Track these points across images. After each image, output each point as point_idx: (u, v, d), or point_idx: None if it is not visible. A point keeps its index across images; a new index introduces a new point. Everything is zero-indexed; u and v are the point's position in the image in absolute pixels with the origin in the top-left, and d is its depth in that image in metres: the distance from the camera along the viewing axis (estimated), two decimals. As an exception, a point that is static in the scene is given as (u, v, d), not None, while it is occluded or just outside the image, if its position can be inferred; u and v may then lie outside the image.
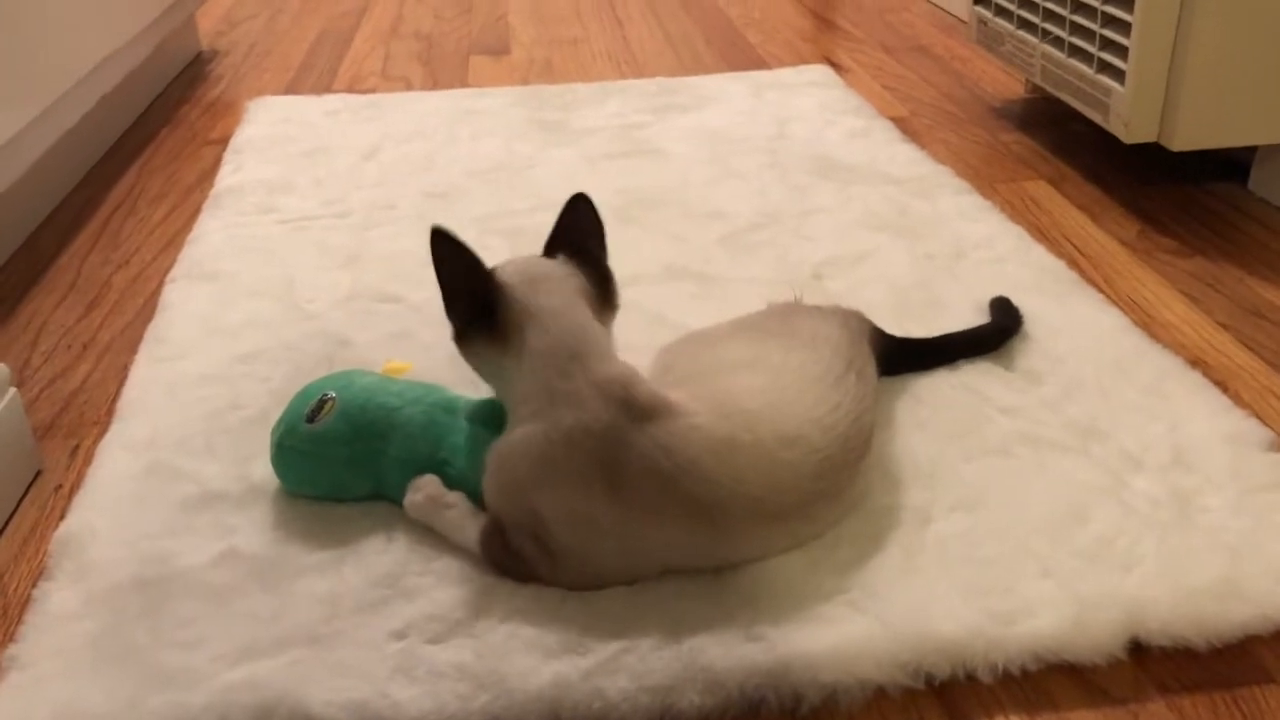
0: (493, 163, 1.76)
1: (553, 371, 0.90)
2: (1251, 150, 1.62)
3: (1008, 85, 2.13)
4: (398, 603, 0.88)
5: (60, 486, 1.08)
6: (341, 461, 0.98)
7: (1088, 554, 0.91)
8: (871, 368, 1.05)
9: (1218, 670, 0.84)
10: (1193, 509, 0.96)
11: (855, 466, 0.95)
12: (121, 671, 0.82)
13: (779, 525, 0.90)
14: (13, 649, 0.86)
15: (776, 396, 0.93)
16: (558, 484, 0.87)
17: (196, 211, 1.65)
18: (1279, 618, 0.86)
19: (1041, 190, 1.67)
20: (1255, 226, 1.53)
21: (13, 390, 1.08)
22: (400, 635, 0.85)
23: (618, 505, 0.86)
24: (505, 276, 0.96)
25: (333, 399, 1.00)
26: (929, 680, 0.82)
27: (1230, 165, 1.68)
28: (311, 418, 0.99)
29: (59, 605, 0.89)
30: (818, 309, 1.11)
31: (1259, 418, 1.10)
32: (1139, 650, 0.85)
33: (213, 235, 1.54)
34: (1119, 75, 1.53)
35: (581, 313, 0.95)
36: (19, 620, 0.90)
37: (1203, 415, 1.09)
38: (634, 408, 0.87)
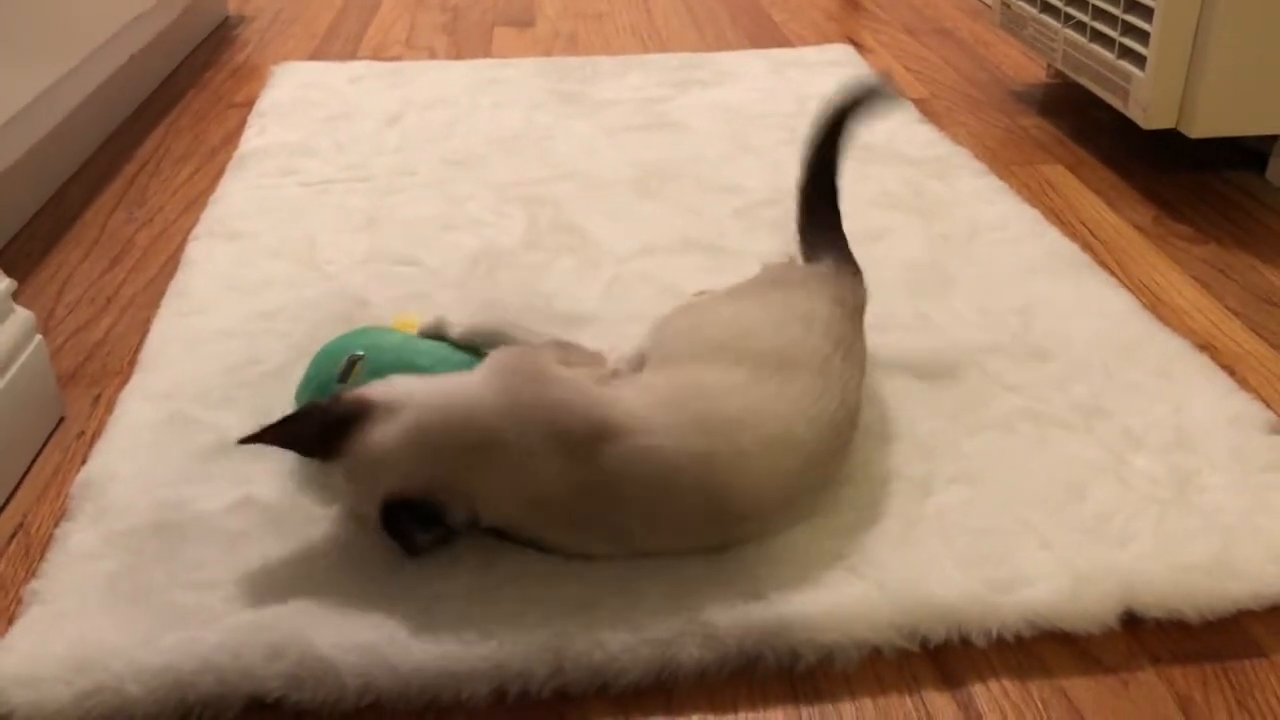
0: (513, 132, 1.78)
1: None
2: (1270, 139, 1.62)
3: (1029, 70, 2.13)
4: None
5: (82, 433, 1.11)
6: None
7: (1085, 528, 0.92)
8: (861, 343, 1.03)
9: (1209, 643, 0.85)
10: (1192, 488, 0.97)
11: (843, 450, 0.96)
12: (137, 609, 0.85)
13: (765, 520, 0.91)
14: (34, 584, 0.88)
15: (760, 393, 0.91)
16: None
17: (220, 172, 1.67)
18: (1271, 594, 0.87)
19: (1058, 174, 1.68)
20: (1270, 215, 1.54)
21: (38, 338, 1.10)
22: (408, 584, 0.87)
23: (595, 527, 0.88)
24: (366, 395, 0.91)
25: (362, 358, 1.00)
26: (924, 643, 0.84)
27: (1249, 154, 1.68)
28: (343, 377, 0.99)
29: (79, 545, 0.92)
30: (813, 275, 1.08)
31: (1263, 401, 1.11)
32: (1132, 621, 0.86)
33: (235, 196, 1.56)
34: (1140, 61, 1.53)
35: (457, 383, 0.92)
36: (41, 558, 0.93)
37: (1207, 397, 1.10)
38: (569, 440, 0.86)
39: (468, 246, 1.41)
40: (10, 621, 0.86)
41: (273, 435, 0.89)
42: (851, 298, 1.06)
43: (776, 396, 0.90)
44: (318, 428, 0.88)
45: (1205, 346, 1.22)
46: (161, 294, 1.33)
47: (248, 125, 1.84)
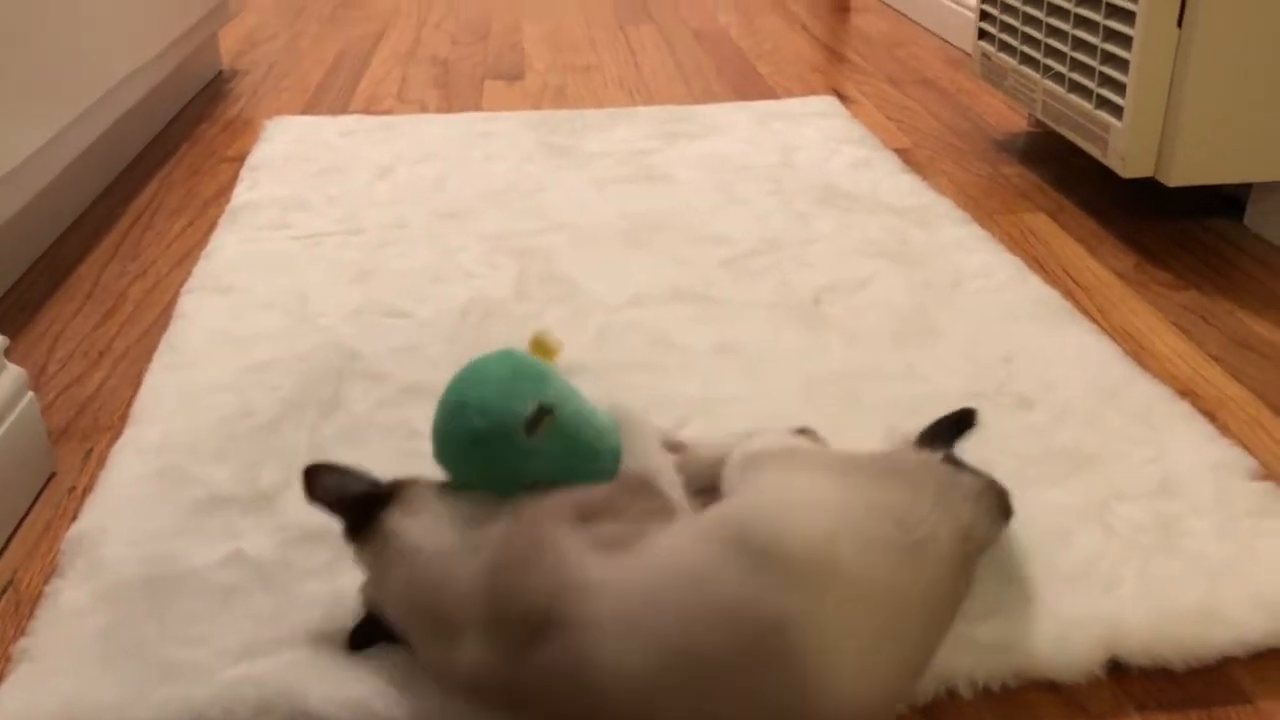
0: (503, 184, 1.80)
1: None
2: (1247, 187, 1.65)
3: (1011, 119, 2.17)
4: (397, 606, 0.91)
5: (74, 488, 1.11)
6: (535, 473, 0.85)
7: (1070, 575, 0.93)
8: (960, 601, 0.83)
9: (1194, 690, 0.86)
10: (1175, 534, 0.98)
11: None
12: (129, 665, 0.85)
13: None
14: (24, 642, 0.89)
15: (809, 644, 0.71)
16: None
17: (213, 226, 1.69)
18: (1256, 641, 0.88)
19: (1040, 222, 1.70)
20: (1249, 261, 1.56)
21: (30, 394, 1.11)
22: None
23: None
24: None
25: (552, 415, 0.85)
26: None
27: (1227, 201, 1.71)
28: (530, 428, 0.84)
29: (69, 601, 0.92)
30: (950, 484, 0.85)
31: (1245, 447, 1.13)
32: (1118, 669, 0.87)
33: (228, 249, 1.58)
34: (1117, 111, 1.56)
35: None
36: (30, 615, 0.93)
37: (1189, 444, 1.11)
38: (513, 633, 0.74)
39: (458, 297, 1.43)
40: (0, 680, 0.86)
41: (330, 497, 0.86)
42: (984, 533, 0.87)
43: (767, 631, 0.71)
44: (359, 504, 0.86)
45: (1186, 393, 1.23)
46: (154, 347, 1.34)
47: (240, 179, 1.86)
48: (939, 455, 0.93)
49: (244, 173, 1.88)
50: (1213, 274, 1.53)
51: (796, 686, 0.69)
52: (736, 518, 0.78)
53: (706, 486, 0.93)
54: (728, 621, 0.71)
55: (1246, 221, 1.66)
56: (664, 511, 0.83)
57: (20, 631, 0.91)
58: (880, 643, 0.73)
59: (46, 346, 1.39)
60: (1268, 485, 1.05)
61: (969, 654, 0.86)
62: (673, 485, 0.88)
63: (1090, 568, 0.94)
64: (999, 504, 0.90)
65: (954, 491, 0.85)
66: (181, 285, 1.49)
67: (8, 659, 0.88)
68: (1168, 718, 0.84)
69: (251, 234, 1.63)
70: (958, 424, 1.03)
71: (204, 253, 1.58)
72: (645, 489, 0.85)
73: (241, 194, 1.78)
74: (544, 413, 0.83)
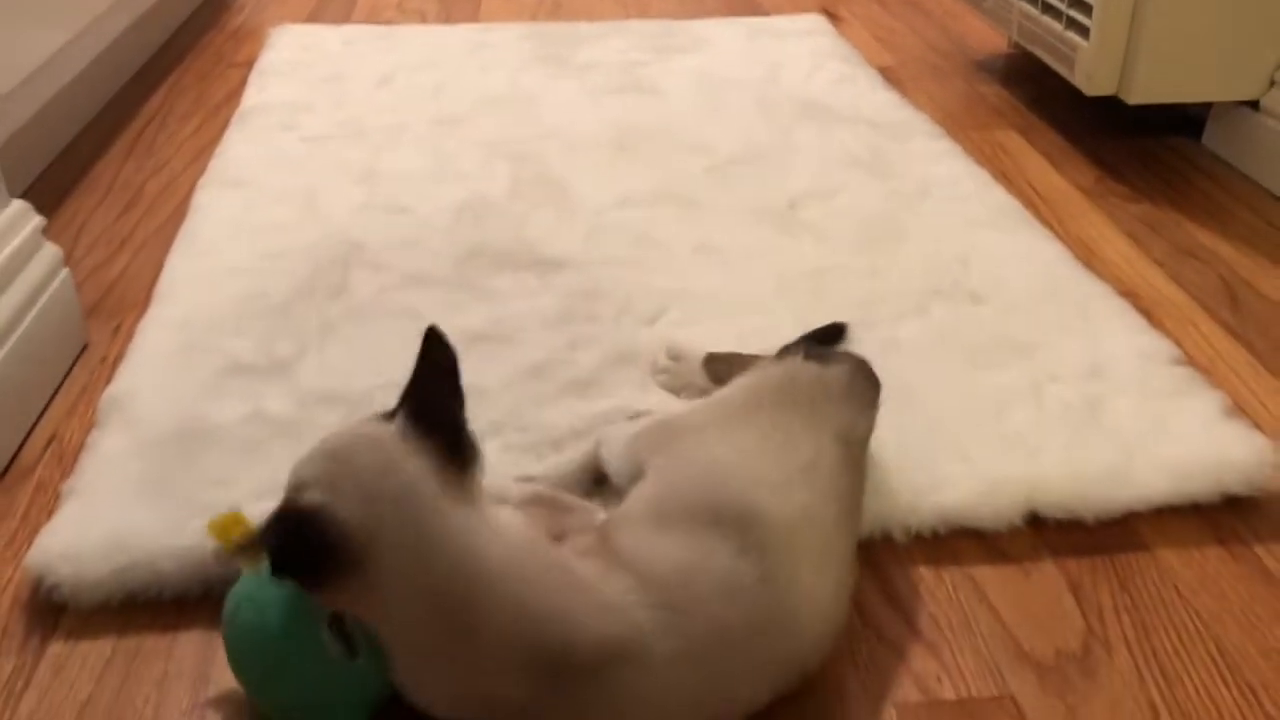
0: (499, 93, 1.88)
1: None
2: (1207, 107, 1.74)
3: (992, 40, 2.24)
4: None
5: (105, 358, 1.22)
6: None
7: (1001, 442, 1.05)
8: (861, 493, 0.89)
9: (1102, 540, 0.98)
10: (1099, 411, 1.10)
11: (836, 638, 0.82)
12: (165, 502, 0.97)
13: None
14: (70, 482, 1.00)
15: (754, 597, 0.75)
16: None
17: (223, 127, 1.78)
18: (1158, 500, 1.00)
19: (1010, 139, 1.79)
20: (1202, 178, 1.66)
21: (65, 270, 1.21)
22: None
23: None
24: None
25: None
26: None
27: (1188, 121, 1.79)
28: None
29: (109, 450, 1.04)
30: (821, 392, 0.89)
31: (1174, 341, 1.23)
32: (1036, 521, 0.99)
33: (239, 148, 1.67)
34: (1084, 31, 1.64)
35: None
36: (74, 462, 1.04)
37: (1121, 335, 1.22)
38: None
39: (456, 197, 1.52)
40: (51, 514, 0.98)
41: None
42: (863, 425, 0.91)
43: (766, 596, 0.75)
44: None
45: (1128, 293, 1.34)
46: (172, 237, 1.44)
47: (248, 84, 1.94)
48: (799, 355, 0.93)
49: (251, 78, 1.96)
50: (1167, 188, 1.62)
51: (789, 640, 0.77)
52: (697, 501, 0.79)
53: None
54: (741, 604, 0.74)
55: (1205, 140, 1.75)
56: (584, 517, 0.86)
57: (66, 474, 1.03)
58: (825, 571, 0.79)
59: (72, 235, 1.49)
60: (1187, 370, 1.16)
61: (903, 503, 0.97)
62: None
63: (1020, 437, 1.06)
64: (868, 385, 0.93)
65: (822, 396, 0.88)
66: (196, 181, 1.59)
67: (57, 496, 1.00)
68: (1078, 563, 0.96)
69: (261, 135, 1.72)
70: (828, 337, 1.13)
71: (216, 152, 1.67)
72: (553, 503, 0.88)
73: (250, 98, 1.87)
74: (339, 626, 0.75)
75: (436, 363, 0.77)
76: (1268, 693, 0.84)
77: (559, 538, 0.80)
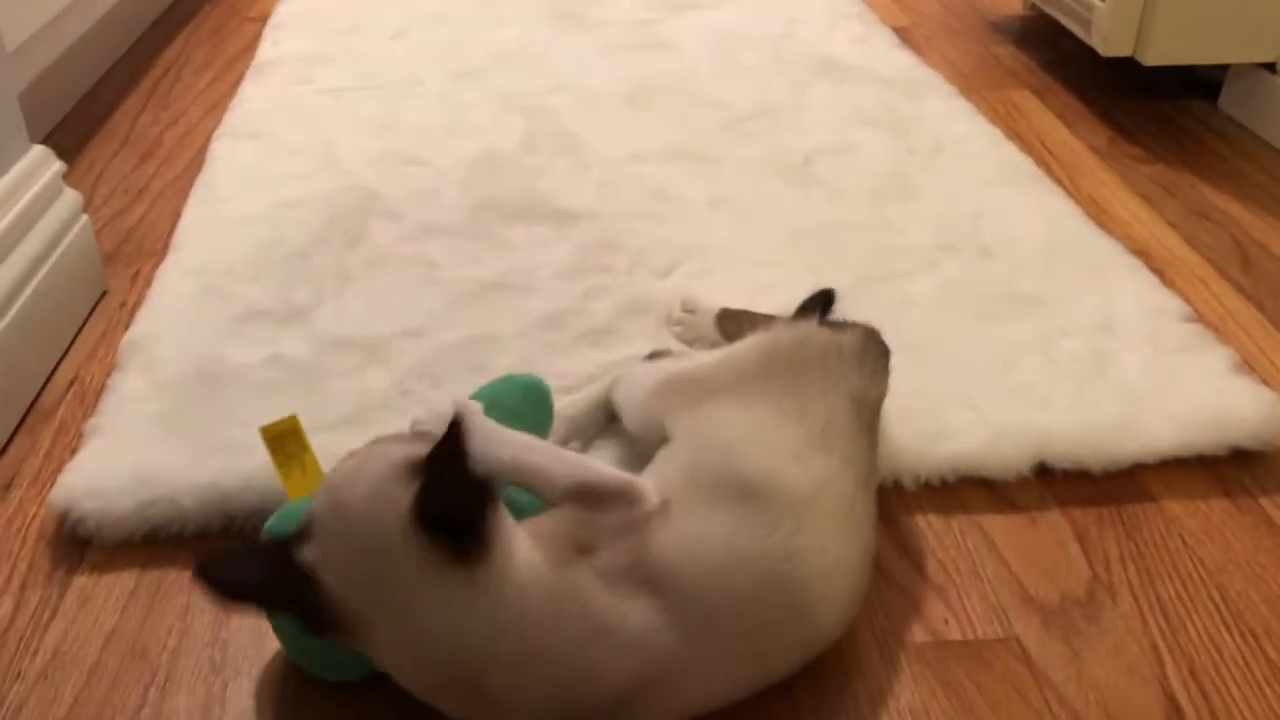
0: (513, 47, 1.88)
1: None
2: (1223, 70, 1.73)
3: (1007, 2, 2.23)
4: (411, 401, 1.04)
5: (124, 303, 1.24)
6: None
7: (1010, 394, 1.06)
8: (875, 454, 0.88)
9: (1108, 490, 0.99)
10: (1108, 364, 1.10)
11: (859, 602, 0.82)
12: (186, 441, 0.98)
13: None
14: (94, 420, 1.02)
15: (774, 561, 0.75)
16: None
17: (239, 80, 1.78)
18: (1165, 451, 1.01)
19: (1025, 99, 1.79)
20: (1217, 140, 1.65)
21: (85, 217, 1.23)
22: (417, 424, 1.00)
23: None
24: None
25: None
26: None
27: (1204, 84, 1.79)
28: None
29: (130, 391, 1.05)
30: (833, 354, 0.89)
31: (1184, 299, 1.24)
32: (1044, 471, 1.00)
33: (255, 100, 1.68)
34: (1101, -9, 1.64)
35: None
36: (95, 402, 1.06)
37: (1132, 292, 1.22)
38: None
39: (471, 149, 1.53)
40: (74, 452, 0.99)
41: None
42: (875, 389, 0.90)
43: (793, 572, 0.75)
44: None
45: (1140, 252, 1.34)
46: (189, 186, 1.45)
47: (263, 37, 1.95)
48: (813, 320, 0.95)
49: (266, 31, 1.97)
50: (1181, 150, 1.62)
51: (817, 612, 0.77)
52: (719, 477, 0.78)
53: (592, 436, 1.00)
54: (770, 585, 0.74)
55: (1220, 103, 1.74)
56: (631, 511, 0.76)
57: (88, 414, 1.04)
58: (848, 536, 0.79)
59: (90, 184, 1.50)
60: (1197, 327, 1.17)
61: (913, 452, 0.98)
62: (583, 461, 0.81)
63: (1029, 389, 1.07)
64: (879, 352, 0.92)
65: (835, 359, 0.88)
66: (212, 132, 1.60)
67: (79, 435, 1.01)
68: (1084, 512, 0.97)
69: (277, 87, 1.72)
70: (821, 302, 1.13)
71: (232, 103, 1.68)
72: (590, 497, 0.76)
73: (266, 50, 1.87)
74: None
75: (457, 454, 0.67)
76: (1270, 638, 0.85)
77: (588, 549, 0.73)
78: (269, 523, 0.80)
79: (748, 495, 0.76)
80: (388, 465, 0.69)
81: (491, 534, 0.68)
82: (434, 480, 0.67)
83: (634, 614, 0.70)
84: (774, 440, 0.81)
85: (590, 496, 0.75)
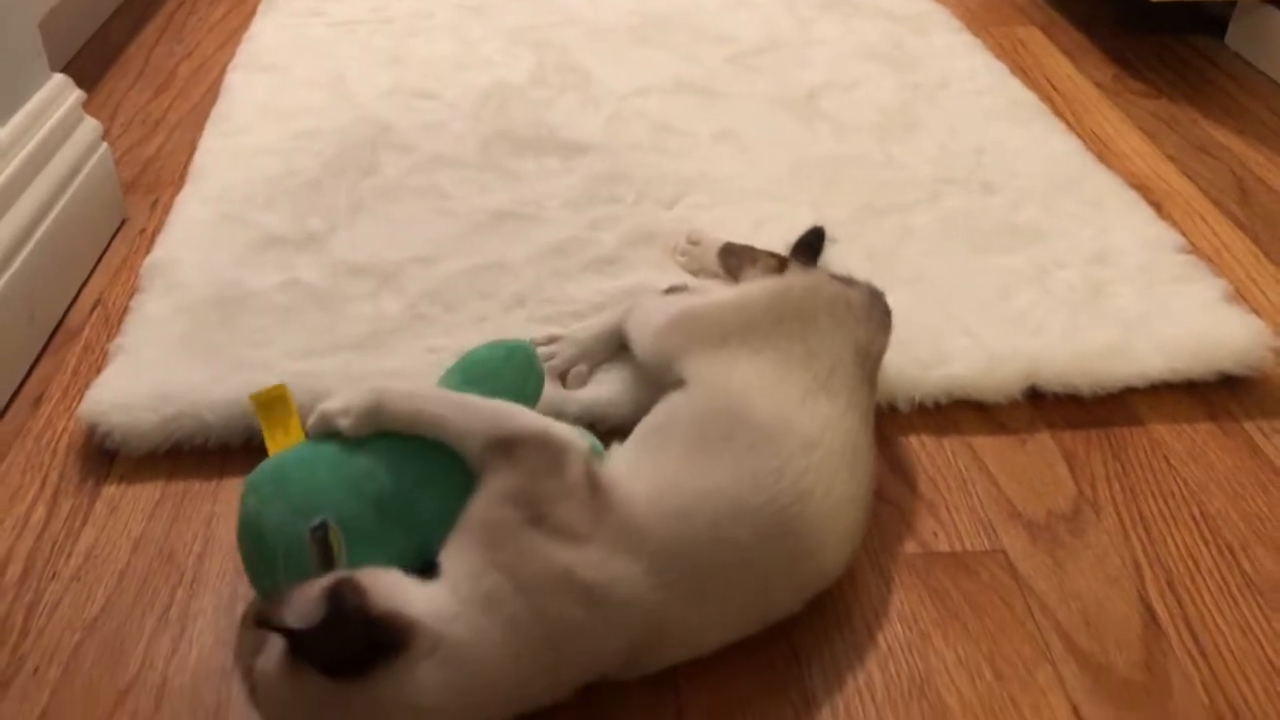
0: (524, -18, 1.89)
1: None
2: (1231, 6, 1.74)
3: (1019, -62, 2.22)
4: (424, 325, 1.07)
5: (144, 230, 1.27)
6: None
7: (1005, 321, 1.09)
8: (872, 404, 0.90)
9: (1098, 414, 1.02)
10: (1102, 294, 1.13)
11: (859, 540, 0.85)
12: (207, 360, 1.02)
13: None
14: (118, 340, 1.06)
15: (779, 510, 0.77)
16: None
17: (252, 13, 1.80)
18: (1154, 376, 1.04)
19: (1031, 35, 1.80)
20: (1222, 77, 1.66)
21: (104, 145, 1.26)
22: (432, 350, 1.04)
23: None
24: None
25: (333, 529, 0.75)
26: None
27: (1211, 21, 1.79)
28: (324, 560, 0.74)
29: (152, 313, 1.09)
30: (841, 302, 0.91)
31: (1181, 231, 1.26)
32: (1036, 396, 1.04)
33: (268, 34, 1.70)
34: (1110, -74, 1.64)
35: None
36: (119, 324, 1.09)
37: (1129, 225, 1.25)
38: None
39: (481, 82, 1.55)
40: (100, 370, 1.03)
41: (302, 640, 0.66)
42: (877, 344, 0.93)
43: (792, 514, 0.77)
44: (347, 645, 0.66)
45: (1139, 186, 1.36)
46: (205, 117, 1.48)
47: (275, -29, 1.95)
48: (825, 273, 0.97)
49: (278, -35, 1.97)
50: (1185, 86, 1.63)
51: (817, 553, 0.79)
52: (713, 425, 0.81)
53: (600, 360, 1.03)
54: (750, 522, 0.76)
55: (1227, 40, 1.75)
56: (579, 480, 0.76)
57: (112, 335, 1.08)
58: (848, 478, 0.81)
59: (107, 115, 1.52)
60: (1191, 259, 1.19)
61: (908, 376, 1.02)
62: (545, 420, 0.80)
63: (1023, 317, 1.09)
64: (884, 310, 0.95)
65: (845, 311, 0.91)
66: (226, 64, 1.62)
67: (104, 355, 1.05)
68: (1073, 434, 1.00)
69: (289, 20, 1.74)
70: (813, 242, 1.15)
71: (245, 36, 1.70)
72: (546, 453, 0.76)
73: (277, -16, 1.88)
74: (324, 531, 0.74)
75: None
76: (1245, 552, 0.89)
77: (539, 520, 0.73)
78: (251, 478, 0.77)
79: (757, 443, 0.79)
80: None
81: (395, 634, 0.66)
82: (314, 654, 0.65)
83: (617, 583, 0.72)
84: (782, 386, 0.84)
85: (509, 447, 0.76)
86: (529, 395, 0.87)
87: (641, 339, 0.97)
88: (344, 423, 0.78)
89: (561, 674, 0.72)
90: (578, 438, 0.79)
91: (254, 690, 0.68)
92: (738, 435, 0.80)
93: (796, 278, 0.96)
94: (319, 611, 0.64)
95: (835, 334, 0.89)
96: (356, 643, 0.65)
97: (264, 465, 0.78)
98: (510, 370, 0.87)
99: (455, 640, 0.68)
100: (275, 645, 0.66)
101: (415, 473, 0.78)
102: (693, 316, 0.93)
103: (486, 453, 0.76)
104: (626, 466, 0.79)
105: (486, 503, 0.75)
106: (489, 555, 0.72)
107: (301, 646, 0.65)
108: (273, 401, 0.81)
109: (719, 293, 0.99)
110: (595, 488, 0.75)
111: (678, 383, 0.89)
